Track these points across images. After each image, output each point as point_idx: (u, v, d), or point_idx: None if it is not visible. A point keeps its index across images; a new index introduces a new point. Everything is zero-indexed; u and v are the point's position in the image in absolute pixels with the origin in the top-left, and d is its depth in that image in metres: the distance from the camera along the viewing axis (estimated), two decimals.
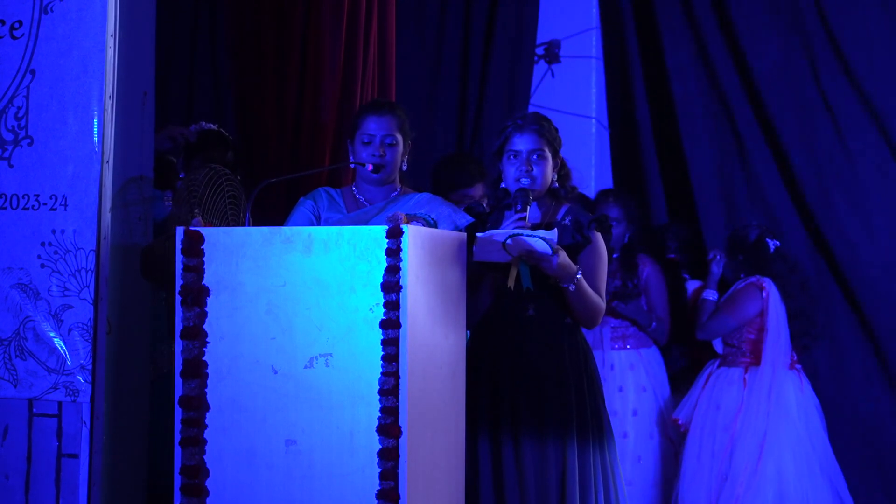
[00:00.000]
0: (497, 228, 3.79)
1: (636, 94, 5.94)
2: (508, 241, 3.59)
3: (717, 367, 5.41)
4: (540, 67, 6.72)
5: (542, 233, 3.62)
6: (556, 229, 3.67)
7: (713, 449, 5.26)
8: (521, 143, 3.82)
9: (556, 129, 3.90)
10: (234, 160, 4.84)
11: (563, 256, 3.67)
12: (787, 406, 5.22)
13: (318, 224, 3.92)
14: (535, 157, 3.82)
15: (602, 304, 3.85)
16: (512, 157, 3.84)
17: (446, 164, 5.07)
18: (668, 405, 5.56)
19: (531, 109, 6.35)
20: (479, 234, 3.64)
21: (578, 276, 3.72)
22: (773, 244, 5.36)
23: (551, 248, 3.60)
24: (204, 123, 4.97)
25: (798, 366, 5.35)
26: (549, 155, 3.84)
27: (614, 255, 5.49)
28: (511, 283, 3.68)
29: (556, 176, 3.88)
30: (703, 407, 5.33)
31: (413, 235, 3.32)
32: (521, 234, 3.60)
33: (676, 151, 5.91)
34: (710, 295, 5.42)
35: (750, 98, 5.70)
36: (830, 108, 5.59)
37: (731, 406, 5.27)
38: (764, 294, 5.28)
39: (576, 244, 3.81)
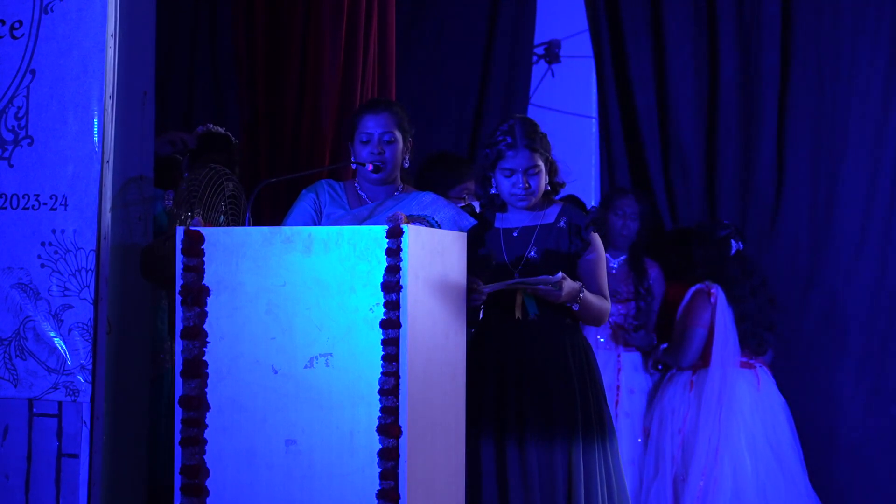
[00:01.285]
0: (491, 227, 3.88)
1: (608, 95, 5.97)
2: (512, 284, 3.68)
3: (676, 371, 5.45)
4: (540, 67, 6.72)
5: (545, 278, 3.67)
6: (560, 272, 3.69)
7: (671, 453, 5.29)
8: (516, 162, 3.83)
9: (545, 135, 3.90)
10: (237, 164, 4.83)
11: (566, 286, 3.70)
12: (740, 403, 5.25)
13: (320, 218, 3.91)
14: (530, 172, 3.83)
15: (607, 304, 3.88)
16: (507, 174, 3.85)
17: (434, 163, 5.05)
18: None
19: (531, 110, 6.35)
20: (485, 287, 3.68)
21: (582, 294, 3.75)
22: (735, 246, 5.38)
23: (553, 285, 3.66)
24: (211, 126, 4.96)
25: (758, 364, 5.37)
26: (543, 167, 3.85)
27: (623, 257, 5.52)
28: (518, 313, 3.75)
29: (547, 178, 3.89)
30: (658, 413, 5.38)
31: (413, 235, 3.32)
32: (525, 281, 3.69)
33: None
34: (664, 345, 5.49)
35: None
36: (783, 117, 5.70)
37: (680, 409, 5.31)
38: (712, 300, 5.32)
39: (576, 250, 3.83)
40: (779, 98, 5.69)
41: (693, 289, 5.40)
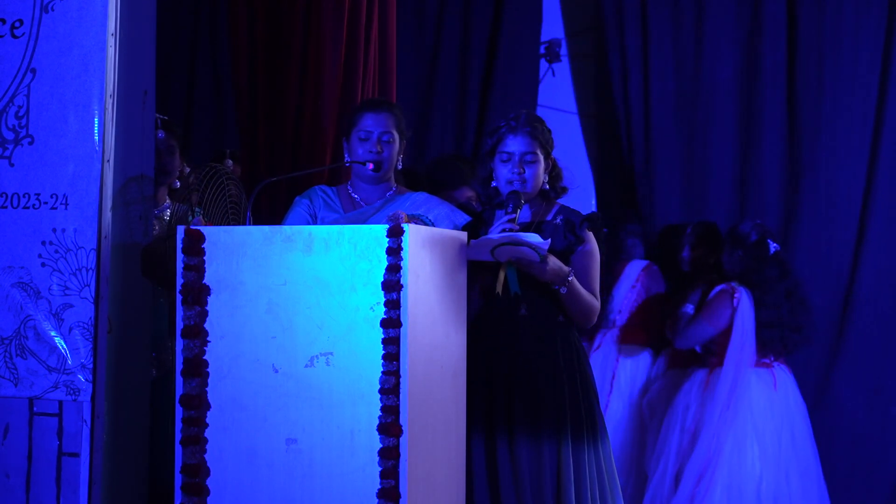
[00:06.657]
0: (490, 227, 3.82)
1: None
2: (497, 250, 3.61)
3: (692, 370, 5.46)
4: (541, 66, 6.72)
5: (535, 237, 3.62)
6: (549, 238, 3.68)
7: (676, 449, 5.30)
8: (514, 145, 3.83)
9: (550, 131, 3.91)
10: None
11: (553, 261, 3.69)
12: (752, 404, 5.23)
13: (315, 223, 3.92)
14: (527, 158, 3.83)
15: (596, 303, 3.85)
16: (504, 158, 3.84)
17: (438, 165, 5.05)
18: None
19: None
20: (473, 241, 3.65)
21: (570, 278, 3.74)
22: (773, 247, 5.37)
23: (539, 254, 3.62)
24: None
25: (777, 363, 5.35)
26: (541, 157, 3.85)
27: None
28: (499, 287, 3.71)
29: (547, 177, 3.89)
30: (671, 410, 5.39)
31: (414, 234, 3.33)
32: (513, 236, 3.61)
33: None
34: (690, 309, 5.45)
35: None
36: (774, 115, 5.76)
37: (694, 406, 5.31)
38: (735, 302, 5.30)
39: (568, 245, 3.82)
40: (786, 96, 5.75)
41: (719, 287, 5.37)
